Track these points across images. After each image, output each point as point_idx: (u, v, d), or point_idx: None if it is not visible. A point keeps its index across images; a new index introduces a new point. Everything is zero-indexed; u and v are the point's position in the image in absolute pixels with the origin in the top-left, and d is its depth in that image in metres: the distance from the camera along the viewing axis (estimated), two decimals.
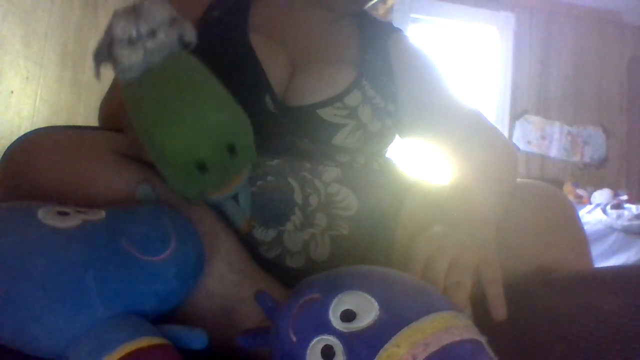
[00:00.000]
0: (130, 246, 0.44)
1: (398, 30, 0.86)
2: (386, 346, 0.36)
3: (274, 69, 0.71)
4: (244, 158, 0.49)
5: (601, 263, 2.24)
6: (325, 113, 0.71)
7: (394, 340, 0.36)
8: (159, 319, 0.46)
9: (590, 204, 2.84)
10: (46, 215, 0.43)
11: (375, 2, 0.80)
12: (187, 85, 0.46)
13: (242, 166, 0.50)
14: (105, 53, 0.44)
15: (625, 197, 2.96)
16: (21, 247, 0.40)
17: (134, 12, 0.44)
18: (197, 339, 0.45)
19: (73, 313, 0.40)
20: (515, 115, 3.35)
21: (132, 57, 0.43)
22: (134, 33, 0.43)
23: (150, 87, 0.45)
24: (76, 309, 0.40)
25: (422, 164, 1.93)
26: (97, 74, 0.45)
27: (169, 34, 0.45)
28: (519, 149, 3.34)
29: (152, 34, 0.44)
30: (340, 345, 0.37)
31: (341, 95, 0.72)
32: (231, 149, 0.47)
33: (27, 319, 0.39)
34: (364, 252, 0.70)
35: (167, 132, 0.44)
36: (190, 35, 0.47)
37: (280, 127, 0.70)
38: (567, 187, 3.19)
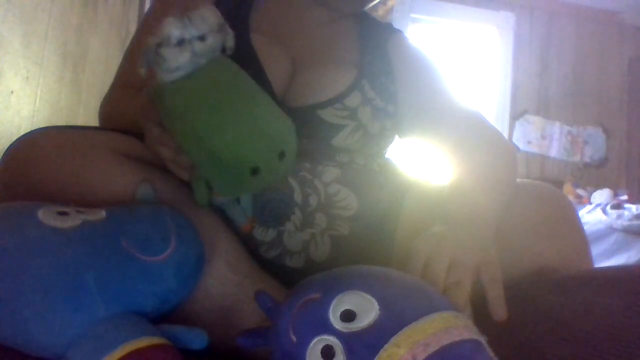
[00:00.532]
0: (130, 246, 0.44)
1: (398, 31, 0.86)
2: (386, 346, 0.36)
3: (275, 69, 0.71)
4: (290, 162, 0.50)
5: (601, 263, 2.24)
6: (326, 114, 0.71)
7: (394, 340, 0.36)
8: (159, 319, 0.46)
9: (590, 204, 2.84)
10: (46, 216, 0.43)
11: (376, 3, 0.81)
12: (241, 91, 0.48)
13: (286, 170, 0.51)
14: (153, 52, 0.45)
15: (625, 197, 2.97)
16: (21, 247, 0.40)
17: (186, 17, 0.45)
18: (197, 338, 0.45)
19: (73, 313, 0.40)
20: (515, 115, 3.36)
21: (180, 58, 0.45)
22: (185, 35, 0.45)
23: (201, 91, 0.46)
24: (76, 309, 0.40)
25: (422, 164, 1.94)
26: (145, 72, 0.46)
27: (216, 39, 0.47)
28: (519, 149, 3.34)
29: (202, 38, 0.46)
30: (340, 345, 0.37)
31: (341, 97, 0.72)
32: (282, 155, 0.48)
33: (28, 319, 0.39)
34: (363, 252, 0.70)
35: (227, 139, 0.46)
36: (231, 41, 0.49)
37: None
38: (567, 187, 3.19)
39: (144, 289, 0.44)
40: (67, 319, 0.40)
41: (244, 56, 0.71)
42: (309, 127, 0.71)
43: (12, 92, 1.25)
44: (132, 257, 0.44)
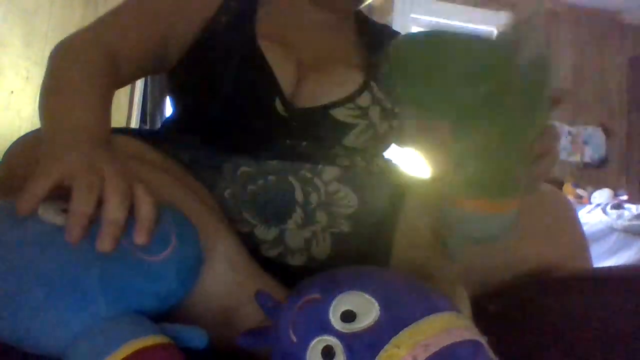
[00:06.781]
0: (130, 245, 0.44)
1: (398, 34, 0.89)
2: (386, 347, 0.36)
3: (283, 72, 0.72)
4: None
5: (601, 263, 2.24)
6: (338, 113, 0.72)
7: (394, 341, 0.36)
8: (158, 318, 0.46)
9: (590, 204, 2.84)
10: (47, 212, 0.43)
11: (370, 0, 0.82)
12: None
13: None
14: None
15: (625, 197, 2.97)
16: (23, 244, 0.40)
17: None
18: (196, 337, 0.45)
19: (76, 311, 0.40)
20: None
21: None
22: None
23: None
24: (79, 307, 0.40)
25: (421, 164, 1.93)
26: None
27: None
28: None
29: None
30: (341, 346, 0.37)
31: (353, 96, 0.73)
32: None
33: (29, 317, 0.39)
34: (364, 249, 0.71)
35: None
36: None
37: (288, 130, 0.71)
38: (567, 187, 3.19)
39: (145, 288, 0.44)
40: (70, 316, 0.40)
41: (253, 60, 0.72)
42: (321, 127, 0.72)
43: (12, 92, 1.25)
44: (133, 255, 0.44)
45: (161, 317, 0.47)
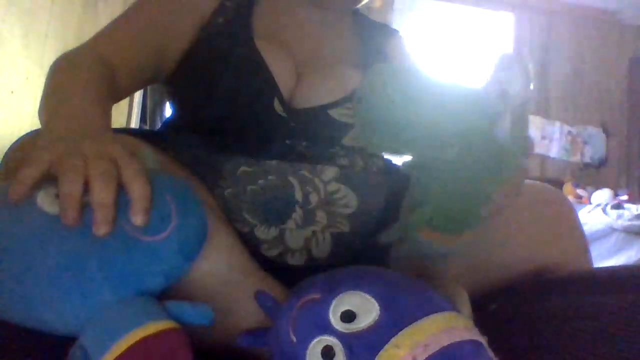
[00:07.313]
0: (130, 227, 0.44)
1: (395, 32, 0.89)
2: (386, 347, 0.36)
3: (281, 72, 0.72)
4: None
5: (601, 263, 2.25)
6: (337, 113, 0.72)
7: (394, 341, 0.36)
8: (163, 294, 0.46)
9: (590, 204, 2.84)
10: (46, 201, 0.42)
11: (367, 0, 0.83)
12: None
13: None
14: None
15: (625, 197, 2.97)
16: (23, 236, 0.40)
17: None
18: (202, 315, 0.45)
19: (81, 300, 0.40)
20: None
21: None
22: None
23: None
24: (84, 296, 0.40)
25: None
26: None
27: None
28: None
29: None
30: (340, 346, 0.37)
31: (352, 96, 0.73)
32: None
33: (37, 306, 0.40)
34: (364, 249, 0.71)
35: None
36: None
37: (287, 130, 0.71)
38: (567, 187, 3.19)
39: (149, 269, 0.43)
40: (76, 304, 0.40)
41: (251, 61, 0.72)
42: (320, 127, 0.72)
43: (12, 92, 1.25)
44: (133, 239, 0.43)
45: (164, 292, 0.46)
